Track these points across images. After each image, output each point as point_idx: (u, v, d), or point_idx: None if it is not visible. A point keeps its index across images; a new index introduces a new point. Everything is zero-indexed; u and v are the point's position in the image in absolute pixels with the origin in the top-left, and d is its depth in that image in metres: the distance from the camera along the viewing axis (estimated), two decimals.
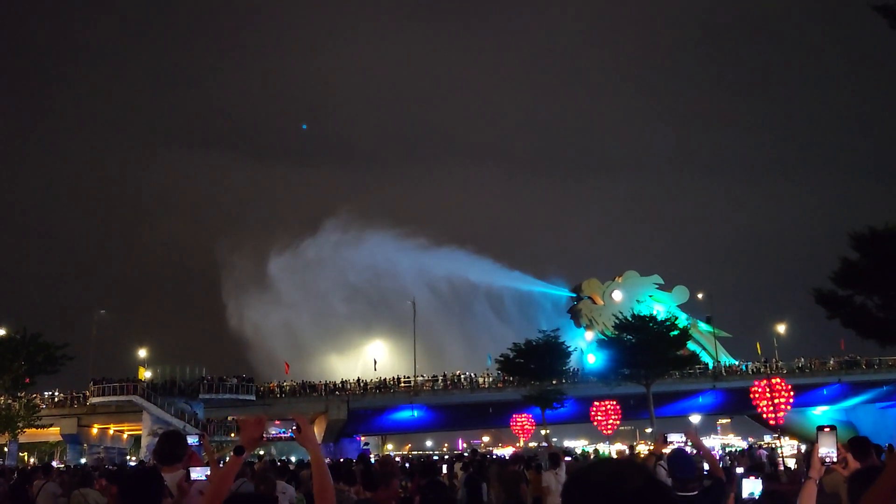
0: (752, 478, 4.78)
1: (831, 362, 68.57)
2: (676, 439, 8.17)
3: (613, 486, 1.77)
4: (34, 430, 50.22)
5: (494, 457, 33.87)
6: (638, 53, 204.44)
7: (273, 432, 62.04)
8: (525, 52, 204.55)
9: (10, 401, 49.81)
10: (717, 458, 41.14)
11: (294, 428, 3.88)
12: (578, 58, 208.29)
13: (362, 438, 68.70)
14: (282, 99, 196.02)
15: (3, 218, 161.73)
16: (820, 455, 4.03)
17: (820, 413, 69.67)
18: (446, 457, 46.06)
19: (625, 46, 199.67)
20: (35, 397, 53.93)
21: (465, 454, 34.38)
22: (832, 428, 4.10)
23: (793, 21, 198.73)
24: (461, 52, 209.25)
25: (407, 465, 21.57)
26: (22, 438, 51.39)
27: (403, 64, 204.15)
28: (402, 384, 64.75)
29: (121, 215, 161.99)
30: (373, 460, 24.03)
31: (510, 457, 23.81)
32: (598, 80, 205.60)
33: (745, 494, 4.69)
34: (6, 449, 52.61)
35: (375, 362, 69.12)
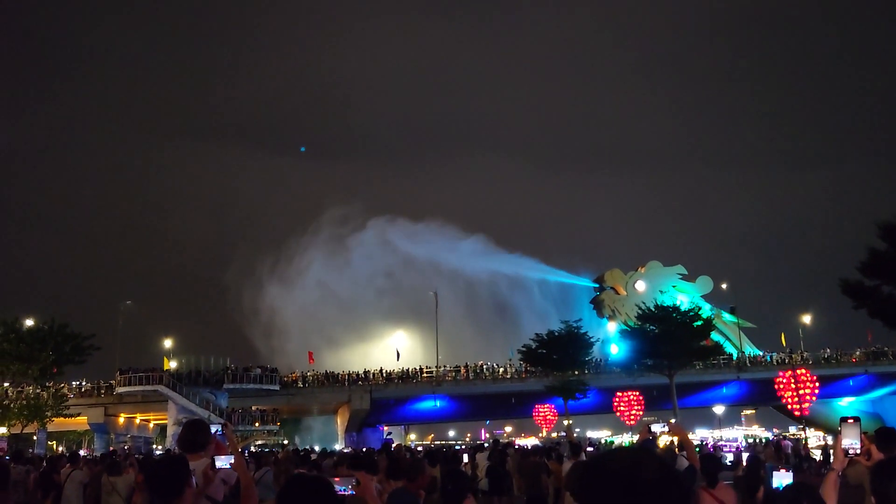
0: (782, 471, 4.80)
1: (857, 353, 67.85)
2: (659, 429, 8.25)
3: (630, 474, 1.78)
4: (62, 419, 50.89)
5: (517, 447, 33.90)
6: (660, 45, 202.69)
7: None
8: (545, 45, 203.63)
9: (38, 390, 50.55)
10: (740, 448, 40.78)
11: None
12: (598, 50, 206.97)
13: (385, 428, 69.01)
14: (301, 93, 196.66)
15: (31, 212, 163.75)
16: (843, 446, 4.00)
17: (846, 404, 68.97)
18: (460, 446, 46.33)
19: (646, 38, 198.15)
20: (63, 387, 54.67)
21: (486, 444, 34.43)
22: (856, 419, 4.06)
23: (814, 11, 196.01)
24: (481, 45, 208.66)
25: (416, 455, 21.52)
26: (50, 427, 52.12)
27: (423, 57, 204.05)
28: (425, 374, 64.93)
29: (146, 208, 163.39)
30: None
31: (530, 447, 23.81)
32: (620, 72, 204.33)
33: (774, 486, 4.72)
34: (35, 437, 53.42)
35: (398, 352, 69.29)
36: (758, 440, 56.50)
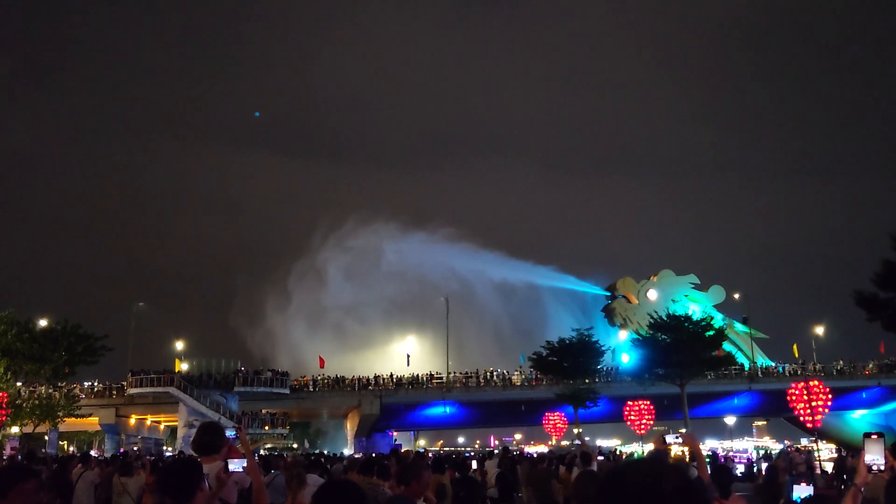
0: (802, 484, 4.80)
1: (871, 365, 67.35)
2: (672, 440, 8.20)
3: (650, 486, 1.77)
4: (74, 419, 51.08)
5: (526, 454, 33.77)
6: (675, 52, 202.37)
7: None
8: (561, 48, 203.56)
9: (50, 390, 50.76)
10: (751, 459, 40.35)
11: None
12: (614, 55, 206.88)
13: (394, 434, 69.00)
14: (315, 97, 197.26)
15: (46, 212, 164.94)
16: (866, 461, 3.94)
17: (858, 417, 68.45)
18: (469, 453, 46.26)
19: (662, 45, 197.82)
20: (75, 387, 54.94)
21: (496, 451, 34.31)
22: (880, 435, 4.00)
23: (832, 23, 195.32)
24: (494, 47, 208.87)
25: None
26: (62, 427, 52.32)
27: (435, 60, 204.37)
28: (435, 380, 64.86)
29: (161, 210, 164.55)
30: None
31: (537, 455, 23.70)
32: (635, 78, 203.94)
33: (794, 498, 4.70)
34: (47, 437, 53.65)
35: (409, 358, 69.28)
36: (769, 451, 56.01)
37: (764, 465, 29.23)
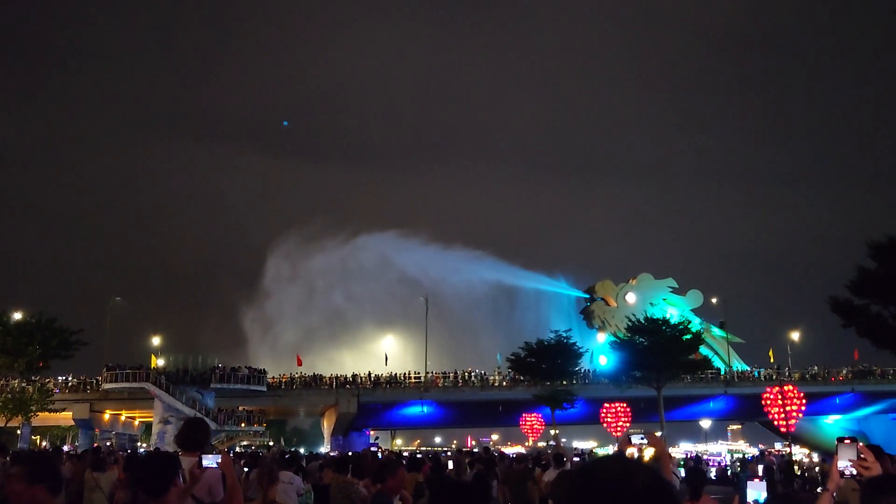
0: (756, 480, 4.77)
1: (844, 371, 68.04)
2: (638, 440, 8.10)
3: (620, 483, 1.77)
4: (47, 414, 50.60)
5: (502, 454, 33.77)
6: (658, 56, 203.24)
7: None
8: (543, 50, 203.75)
9: (24, 384, 50.23)
10: (724, 463, 40.56)
11: None
12: (597, 59, 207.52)
13: (372, 433, 68.88)
14: (295, 96, 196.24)
15: (23, 205, 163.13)
16: (839, 467, 3.94)
17: (832, 422, 69.14)
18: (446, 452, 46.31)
19: (645, 49, 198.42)
20: (49, 382, 54.40)
21: (475, 451, 34.29)
22: (853, 440, 4.01)
23: (816, 30, 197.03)
24: (477, 50, 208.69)
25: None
26: (35, 422, 51.83)
27: (418, 62, 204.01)
28: (413, 380, 64.80)
29: (138, 205, 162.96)
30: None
31: (516, 456, 23.72)
32: (618, 81, 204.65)
33: (749, 499, 4.66)
34: (19, 432, 53.10)
35: (387, 357, 69.18)
36: (745, 455, 56.42)
37: (760, 467, 29.49)
